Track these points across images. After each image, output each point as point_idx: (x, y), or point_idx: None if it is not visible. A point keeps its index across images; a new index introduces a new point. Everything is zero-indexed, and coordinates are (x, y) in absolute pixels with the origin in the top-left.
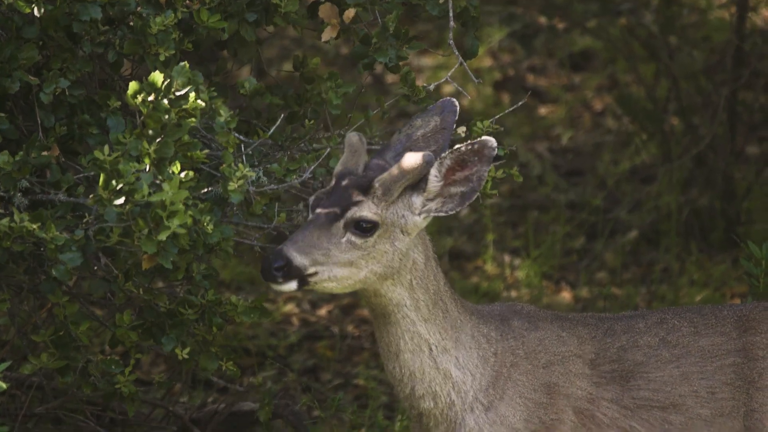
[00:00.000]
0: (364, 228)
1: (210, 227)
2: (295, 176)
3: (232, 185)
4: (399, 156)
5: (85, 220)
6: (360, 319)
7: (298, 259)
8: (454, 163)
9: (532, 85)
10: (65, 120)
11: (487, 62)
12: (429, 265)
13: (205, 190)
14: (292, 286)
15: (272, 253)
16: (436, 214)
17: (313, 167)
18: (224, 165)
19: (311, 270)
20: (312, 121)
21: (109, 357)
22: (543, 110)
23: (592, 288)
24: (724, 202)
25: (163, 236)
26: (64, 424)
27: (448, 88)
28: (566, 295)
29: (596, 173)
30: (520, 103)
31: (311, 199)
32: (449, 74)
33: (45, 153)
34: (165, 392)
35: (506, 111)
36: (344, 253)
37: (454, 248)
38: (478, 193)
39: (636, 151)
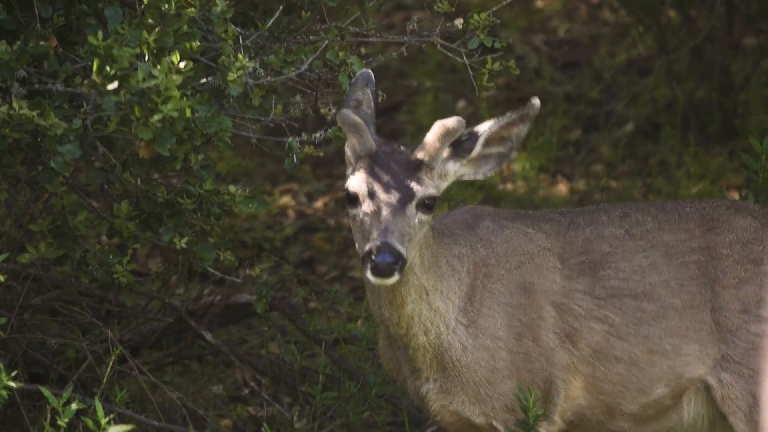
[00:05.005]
0: (429, 205)
1: (208, 114)
2: (292, 68)
3: (232, 75)
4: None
5: (82, 110)
6: None
7: (404, 251)
8: (502, 128)
9: None
10: (63, 10)
11: None
12: None
13: (204, 80)
14: (396, 278)
15: (380, 248)
16: (469, 178)
17: (310, 60)
18: (223, 56)
19: (406, 258)
20: (308, 13)
21: (106, 247)
22: (540, 2)
23: (589, 181)
24: (721, 95)
25: (156, 118)
26: (60, 315)
27: None
28: (563, 188)
29: (593, 66)
30: None
31: (355, 186)
32: None
33: (43, 43)
34: (161, 284)
35: (503, 3)
36: (417, 234)
37: None
38: (515, 152)
39: (633, 43)
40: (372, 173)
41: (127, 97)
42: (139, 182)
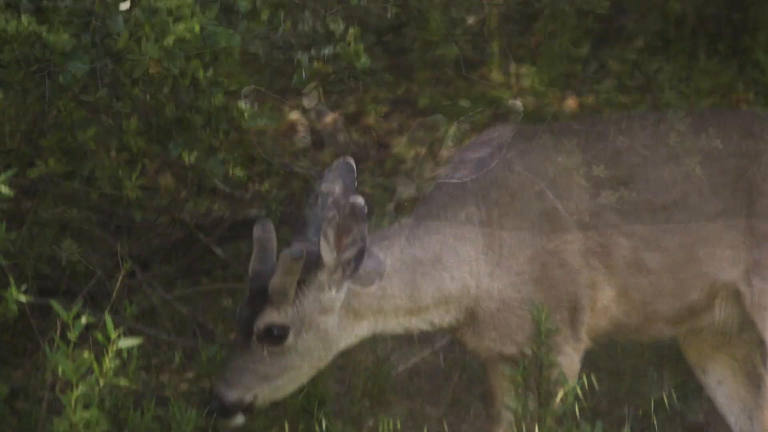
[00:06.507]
0: (277, 335)
1: (217, 30)
2: None
3: None
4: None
5: (91, 26)
6: (367, 126)
7: (230, 395)
8: (337, 231)
9: None
10: None
11: None
12: (378, 293)
13: None
14: (239, 419)
15: (212, 396)
16: (347, 281)
17: None
18: None
19: (249, 397)
20: None
21: (116, 162)
22: None
23: (599, 96)
24: (731, 9)
25: (169, 41)
26: (69, 230)
27: None
28: (572, 103)
29: None
30: None
31: (237, 311)
32: None
33: None
34: (170, 199)
35: None
36: (272, 366)
37: (459, 56)
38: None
39: None
40: (242, 304)
41: (136, 14)
42: (148, 98)
